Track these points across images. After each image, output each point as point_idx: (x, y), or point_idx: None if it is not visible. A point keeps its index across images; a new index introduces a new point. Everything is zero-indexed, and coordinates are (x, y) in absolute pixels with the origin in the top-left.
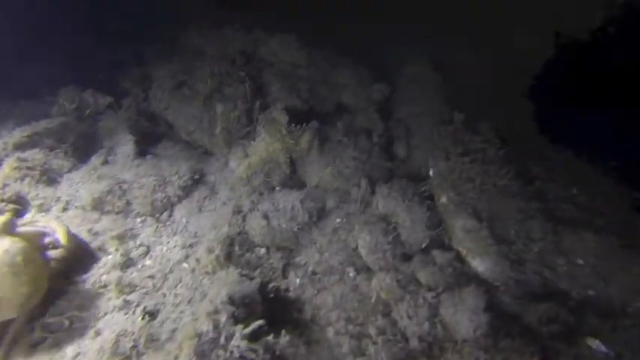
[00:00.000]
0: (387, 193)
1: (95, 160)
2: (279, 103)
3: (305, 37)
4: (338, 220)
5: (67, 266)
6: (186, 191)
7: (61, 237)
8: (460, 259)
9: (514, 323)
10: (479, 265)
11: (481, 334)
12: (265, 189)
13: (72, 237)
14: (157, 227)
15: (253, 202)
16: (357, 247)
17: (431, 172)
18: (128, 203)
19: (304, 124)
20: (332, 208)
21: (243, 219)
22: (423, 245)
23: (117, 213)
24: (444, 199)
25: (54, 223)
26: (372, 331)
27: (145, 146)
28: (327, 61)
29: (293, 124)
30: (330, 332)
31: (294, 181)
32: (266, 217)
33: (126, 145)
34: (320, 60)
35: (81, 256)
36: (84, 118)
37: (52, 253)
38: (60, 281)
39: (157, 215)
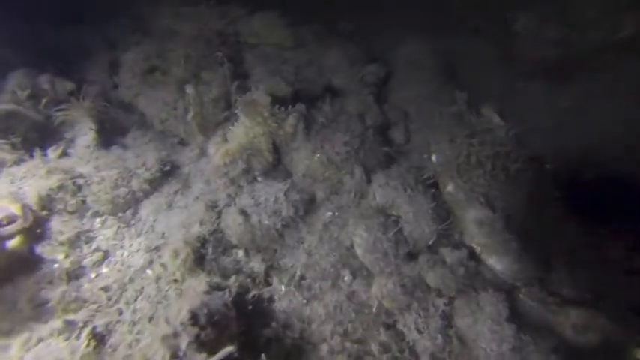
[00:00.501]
0: (385, 181)
1: (51, 153)
2: (261, 85)
3: (291, 15)
4: (329, 214)
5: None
6: (155, 185)
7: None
8: (474, 256)
9: (543, 333)
10: (496, 263)
11: (507, 349)
12: (245, 180)
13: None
14: (119, 228)
15: (230, 196)
16: (352, 246)
17: (434, 158)
18: (84, 201)
19: (289, 107)
20: (322, 201)
21: (218, 215)
22: (430, 242)
23: (70, 213)
24: (450, 187)
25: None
26: (374, 347)
27: (111, 136)
28: (316, 40)
29: (276, 107)
30: (323, 350)
31: (278, 171)
32: (244, 212)
33: (85, 135)
34: (308, 40)
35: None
36: (38, 106)
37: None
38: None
39: (119, 214)
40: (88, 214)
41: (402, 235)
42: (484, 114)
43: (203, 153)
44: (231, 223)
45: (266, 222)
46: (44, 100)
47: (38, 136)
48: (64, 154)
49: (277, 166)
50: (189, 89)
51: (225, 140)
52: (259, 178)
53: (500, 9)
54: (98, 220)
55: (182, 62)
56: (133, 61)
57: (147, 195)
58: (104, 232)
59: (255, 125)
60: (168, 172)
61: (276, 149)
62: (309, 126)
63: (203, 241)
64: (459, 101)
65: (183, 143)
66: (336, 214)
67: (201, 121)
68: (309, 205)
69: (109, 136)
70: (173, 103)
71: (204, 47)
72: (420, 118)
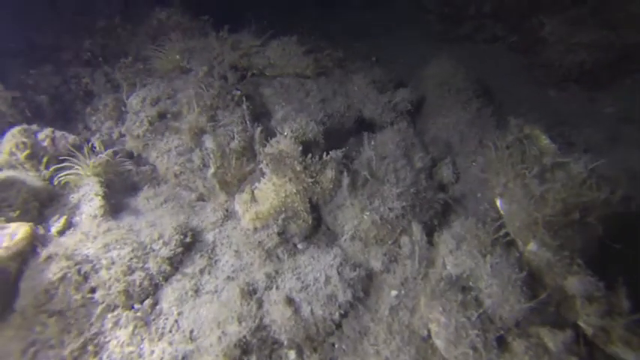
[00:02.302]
0: (454, 244)
1: (53, 226)
2: (286, 128)
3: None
4: (394, 292)
5: None
6: (176, 263)
7: None
8: (586, 341)
9: None
10: (624, 354)
11: None
12: (284, 251)
13: None
14: (135, 327)
15: (270, 276)
16: (429, 335)
17: (499, 203)
18: (92, 291)
19: (323, 154)
20: (381, 273)
21: (259, 305)
22: (520, 319)
23: (73, 311)
24: (533, 246)
25: None
26: None
27: (120, 197)
28: (338, 67)
29: (309, 157)
30: None
31: (320, 232)
32: (291, 301)
33: (91, 201)
34: (329, 67)
35: None
36: (39, 167)
37: None
38: None
39: (136, 307)
40: (97, 311)
41: (486, 315)
42: (532, 136)
43: (228, 215)
44: (278, 317)
45: (320, 312)
46: (44, 160)
47: (39, 205)
48: (69, 224)
49: (318, 227)
50: (209, 142)
51: (253, 197)
52: (300, 245)
53: (523, 14)
54: (109, 317)
55: (194, 104)
56: (139, 105)
57: (167, 278)
58: (117, 335)
59: (287, 182)
60: (189, 245)
61: (313, 207)
62: (350, 176)
63: (245, 347)
64: (512, 129)
65: (202, 198)
66: (402, 291)
67: (223, 178)
68: (367, 282)
69: (118, 196)
70: (188, 152)
71: (218, 85)
72: (466, 149)
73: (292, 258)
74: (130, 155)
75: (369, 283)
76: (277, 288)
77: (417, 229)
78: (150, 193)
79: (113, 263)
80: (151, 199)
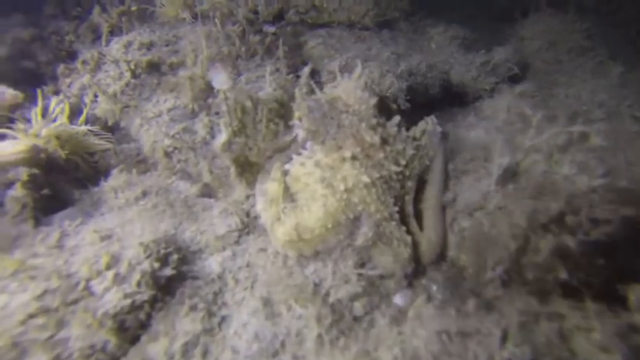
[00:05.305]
0: None
1: None
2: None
3: None
4: None
5: None
6: (133, 326)
7: None
8: None
9: None
10: None
11: None
12: (370, 307)
13: None
14: None
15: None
16: None
17: None
18: None
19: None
20: None
21: None
22: None
23: None
24: None
25: None
26: None
27: (74, 191)
28: (404, 19)
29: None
30: None
31: (439, 271)
32: None
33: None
34: (395, 16)
35: None
36: None
37: None
38: None
39: None
40: None
41: None
42: None
43: (249, 223)
44: None
45: None
46: None
47: None
48: None
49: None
50: (223, 81)
51: (288, 191)
52: (399, 299)
53: None
54: None
55: (204, 47)
56: (122, 51)
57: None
58: None
59: (349, 164)
60: (171, 281)
61: (403, 215)
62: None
63: None
64: None
65: (207, 193)
66: None
67: (243, 153)
68: None
69: (69, 188)
70: (187, 118)
71: (239, 31)
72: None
73: (390, 325)
74: (104, 124)
75: None
76: None
77: None
78: (120, 180)
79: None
80: (120, 190)
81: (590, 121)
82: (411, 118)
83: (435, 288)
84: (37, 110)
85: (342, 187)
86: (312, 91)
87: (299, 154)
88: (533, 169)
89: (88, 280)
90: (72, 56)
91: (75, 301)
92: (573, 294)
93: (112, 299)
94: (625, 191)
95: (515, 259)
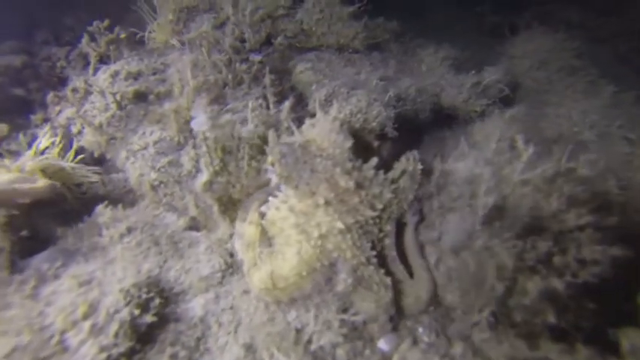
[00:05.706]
0: None
1: None
2: (333, 108)
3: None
4: None
5: None
6: None
7: None
8: None
9: None
10: None
11: None
12: (353, 353)
13: None
14: None
15: None
16: None
17: None
18: None
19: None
20: None
21: None
22: None
23: None
24: None
25: None
26: None
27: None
28: (395, 40)
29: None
30: None
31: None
32: None
33: None
34: (385, 38)
35: None
36: None
37: None
38: None
39: None
40: None
41: None
42: None
43: (233, 263)
44: None
45: None
46: None
47: None
48: None
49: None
50: (202, 122)
51: (264, 233)
52: (384, 345)
53: None
54: None
55: (189, 76)
56: (109, 81)
57: None
58: None
59: (319, 207)
60: (152, 328)
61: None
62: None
63: None
64: None
65: (194, 226)
66: None
67: (226, 192)
68: None
69: (53, 225)
70: (173, 151)
71: (225, 60)
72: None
73: None
74: (91, 155)
75: None
76: None
77: None
78: (104, 217)
79: None
80: (105, 227)
81: (581, 143)
82: (400, 141)
83: (421, 330)
84: (22, 142)
85: (316, 234)
86: (290, 131)
87: (275, 196)
88: (521, 203)
89: (62, 333)
90: (63, 82)
91: (46, 359)
92: (564, 337)
93: (87, 353)
94: (615, 230)
95: (502, 301)
